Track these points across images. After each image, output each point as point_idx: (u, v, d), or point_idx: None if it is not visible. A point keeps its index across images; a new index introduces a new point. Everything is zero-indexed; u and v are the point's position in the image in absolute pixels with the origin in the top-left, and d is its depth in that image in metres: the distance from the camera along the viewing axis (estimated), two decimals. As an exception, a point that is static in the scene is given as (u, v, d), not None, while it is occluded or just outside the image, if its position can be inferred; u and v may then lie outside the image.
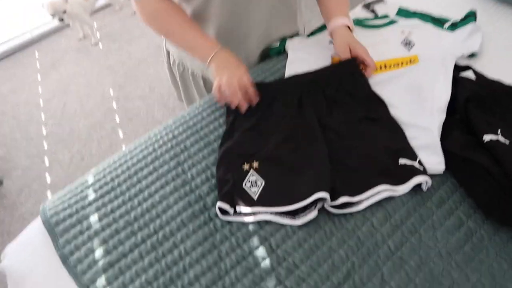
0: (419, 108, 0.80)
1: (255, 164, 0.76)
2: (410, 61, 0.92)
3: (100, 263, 0.68)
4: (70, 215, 0.77)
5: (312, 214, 0.67)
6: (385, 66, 0.92)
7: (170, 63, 1.16)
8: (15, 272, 0.73)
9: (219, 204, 0.70)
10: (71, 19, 2.59)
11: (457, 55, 0.93)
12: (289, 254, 0.64)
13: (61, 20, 2.43)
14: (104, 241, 0.71)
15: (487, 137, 0.70)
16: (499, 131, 0.70)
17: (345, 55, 0.90)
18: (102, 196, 0.79)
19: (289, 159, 0.75)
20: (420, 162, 0.71)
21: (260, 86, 0.87)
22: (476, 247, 0.61)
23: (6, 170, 2.01)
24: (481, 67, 0.89)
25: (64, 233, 0.74)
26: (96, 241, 0.72)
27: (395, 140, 0.75)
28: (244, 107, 0.84)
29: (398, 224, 0.65)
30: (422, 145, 0.74)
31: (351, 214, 0.68)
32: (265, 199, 0.70)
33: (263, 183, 0.72)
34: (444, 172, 0.71)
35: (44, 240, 0.75)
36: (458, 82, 0.83)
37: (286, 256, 0.64)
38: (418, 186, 0.69)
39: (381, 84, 0.88)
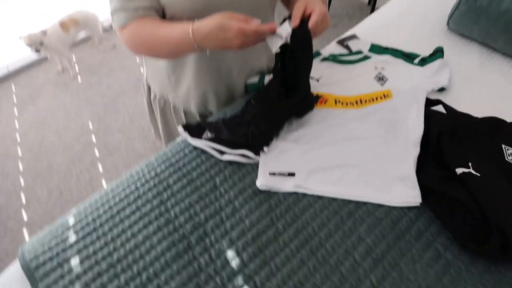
0: (394, 142, 0.84)
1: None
2: (384, 95, 0.96)
3: (82, 309, 0.67)
4: (51, 259, 0.75)
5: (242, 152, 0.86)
6: (361, 101, 0.96)
7: (150, 98, 1.17)
8: (-9, 322, 0.70)
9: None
10: (49, 52, 2.56)
11: (427, 89, 0.98)
12: (274, 293, 0.65)
13: (38, 51, 2.40)
14: (86, 285, 0.70)
15: (459, 170, 0.73)
16: (470, 164, 0.73)
17: (296, 11, 0.79)
18: (83, 238, 0.78)
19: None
20: None
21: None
22: (454, 280, 0.63)
23: (-20, 208, 1.94)
24: (451, 100, 0.94)
25: (44, 278, 0.72)
26: (77, 285, 0.70)
27: None
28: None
29: (379, 258, 0.67)
30: (399, 177, 0.77)
31: (333, 249, 0.69)
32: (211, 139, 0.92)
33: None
34: (421, 204, 0.74)
35: (23, 286, 0.73)
36: (429, 116, 0.87)
37: (271, 295, 0.64)
38: (397, 219, 0.72)
39: (356, 120, 0.91)
